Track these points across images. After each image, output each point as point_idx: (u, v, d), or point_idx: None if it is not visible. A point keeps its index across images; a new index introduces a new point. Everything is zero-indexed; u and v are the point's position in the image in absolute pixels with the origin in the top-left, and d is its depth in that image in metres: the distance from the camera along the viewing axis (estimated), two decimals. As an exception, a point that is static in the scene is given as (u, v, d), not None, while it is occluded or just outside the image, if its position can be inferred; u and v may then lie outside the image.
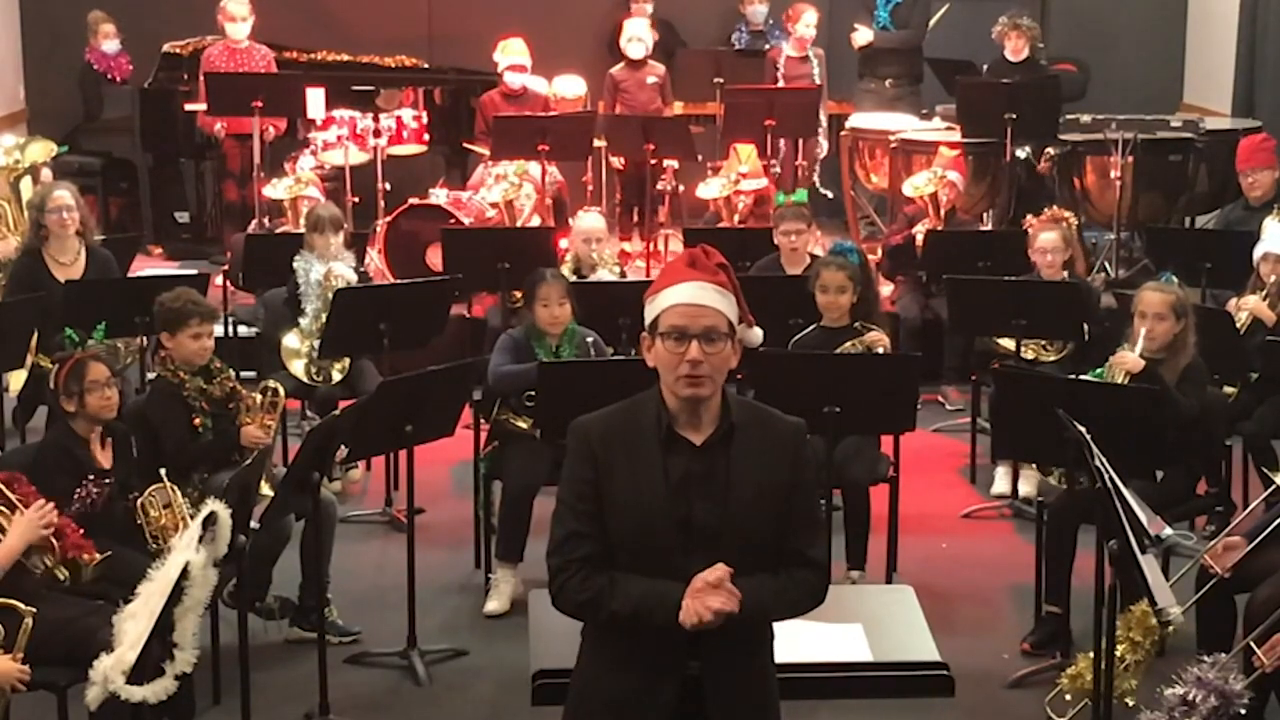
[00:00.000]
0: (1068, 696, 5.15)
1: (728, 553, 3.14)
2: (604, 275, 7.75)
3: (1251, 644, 4.69)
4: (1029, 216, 8.00)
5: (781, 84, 10.44)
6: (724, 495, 3.18)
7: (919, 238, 8.58)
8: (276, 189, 8.77)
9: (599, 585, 3.18)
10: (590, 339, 6.41)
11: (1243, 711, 4.58)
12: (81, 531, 4.85)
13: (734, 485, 3.19)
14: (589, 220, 8.13)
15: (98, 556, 4.84)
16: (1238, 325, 6.86)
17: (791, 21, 10.54)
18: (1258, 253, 7.12)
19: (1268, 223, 7.64)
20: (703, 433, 3.22)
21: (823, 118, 10.41)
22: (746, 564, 3.15)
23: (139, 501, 5.27)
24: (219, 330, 6.19)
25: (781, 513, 3.21)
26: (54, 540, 4.75)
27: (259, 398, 5.92)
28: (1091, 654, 5.04)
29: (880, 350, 6.34)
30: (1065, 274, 7.48)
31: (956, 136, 9.68)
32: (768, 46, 10.91)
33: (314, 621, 5.42)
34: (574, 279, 7.24)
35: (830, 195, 11.09)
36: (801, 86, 10.35)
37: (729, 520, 3.18)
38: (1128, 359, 5.95)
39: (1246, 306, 6.95)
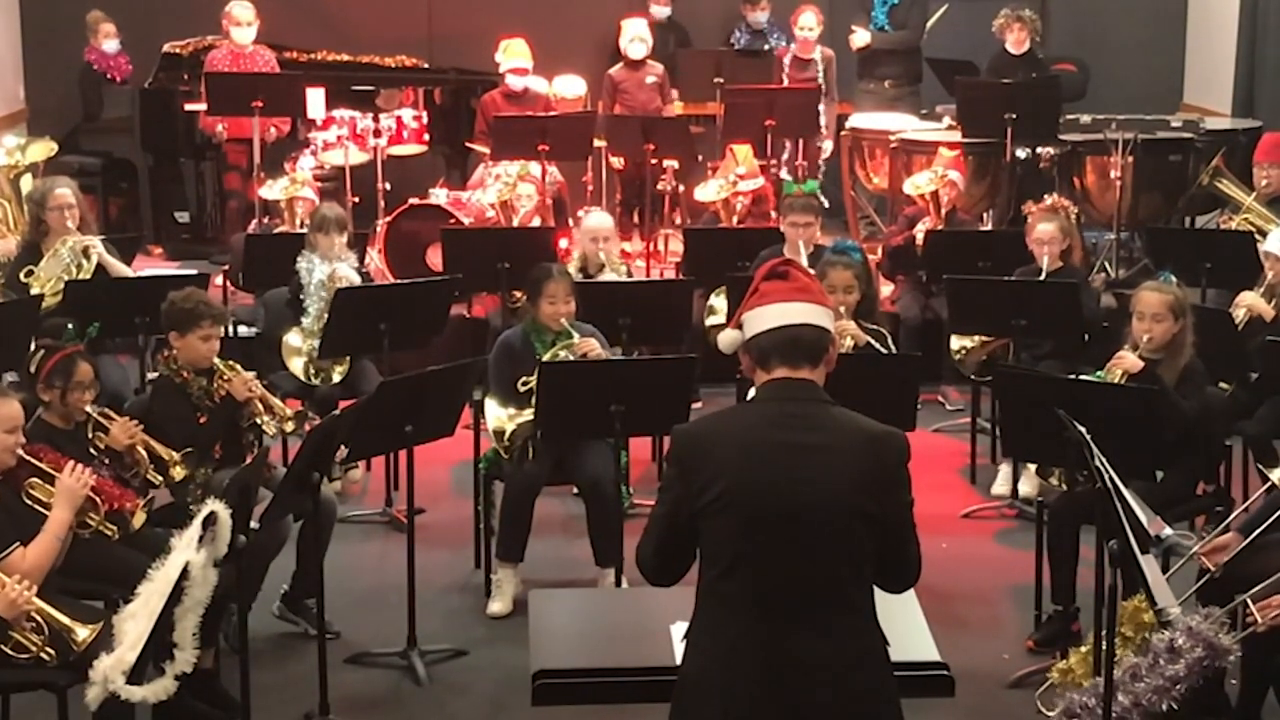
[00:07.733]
0: (1058, 689, 5.15)
1: None
2: (611, 276, 7.73)
3: (1248, 600, 4.68)
4: (1029, 203, 7.99)
5: (786, 84, 10.44)
6: None
7: (919, 238, 8.58)
8: (273, 190, 8.76)
9: None
10: (589, 329, 6.40)
11: (1227, 667, 4.54)
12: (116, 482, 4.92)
13: None
14: (597, 219, 8.08)
15: (140, 503, 4.90)
16: (1236, 322, 6.86)
17: (793, 24, 10.55)
18: (1262, 250, 7.13)
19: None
20: None
21: (823, 118, 10.38)
22: None
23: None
24: (218, 330, 6.18)
25: None
26: (95, 498, 4.82)
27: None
28: (1084, 649, 5.06)
29: (848, 340, 6.32)
30: (1062, 264, 7.47)
31: (958, 136, 9.67)
32: (767, 46, 10.90)
33: (304, 610, 5.64)
34: (579, 278, 7.22)
35: (826, 204, 11.03)
36: (803, 87, 10.35)
37: None
38: (1126, 360, 5.95)
39: (1244, 303, 6.95)
